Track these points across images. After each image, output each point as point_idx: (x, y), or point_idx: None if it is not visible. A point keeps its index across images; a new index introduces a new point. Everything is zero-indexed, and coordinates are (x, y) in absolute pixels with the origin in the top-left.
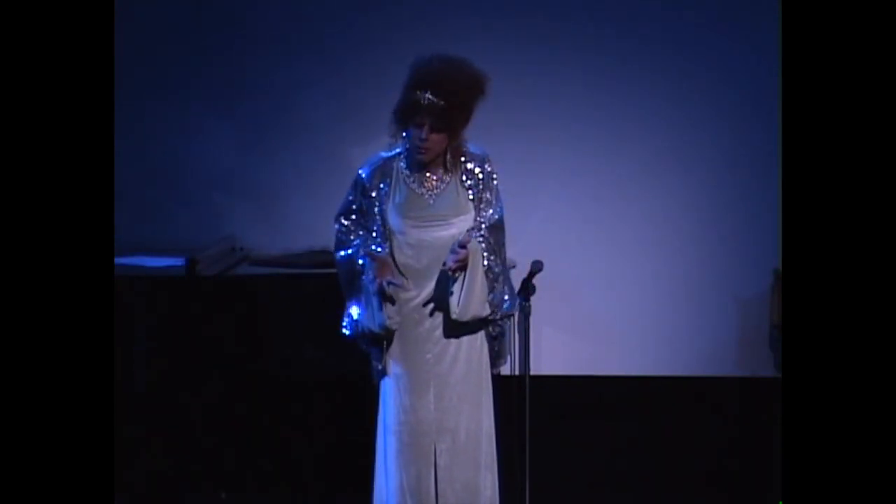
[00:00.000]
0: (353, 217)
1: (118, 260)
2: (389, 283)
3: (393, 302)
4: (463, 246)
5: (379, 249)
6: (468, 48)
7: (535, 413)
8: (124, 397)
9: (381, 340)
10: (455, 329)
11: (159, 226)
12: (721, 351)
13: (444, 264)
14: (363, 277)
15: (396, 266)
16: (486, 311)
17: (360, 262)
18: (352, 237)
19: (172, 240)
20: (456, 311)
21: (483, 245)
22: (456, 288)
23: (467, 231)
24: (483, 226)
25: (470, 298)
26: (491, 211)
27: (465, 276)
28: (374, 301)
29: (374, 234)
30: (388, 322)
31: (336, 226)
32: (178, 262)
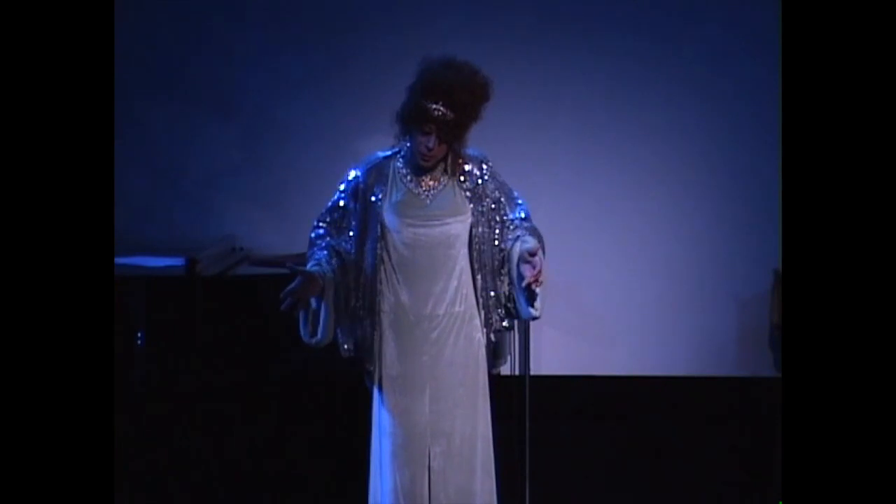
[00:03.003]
0: (336, 216)
1: (118, 260)
2: (288, 293)
3: (316, 322)
4: (534, 254)
5: (321, 263)
6: (468, 48)
7: (535, 413)
8: (124, 397)
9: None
10: (452, 332)
11: (159, 226)
12: (721, 351)
13: (523, 279)
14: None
15: (392, 265)
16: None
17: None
18: (316, 240)
19: (172, 240)
20: (538, 312)
21: (536, 237)
22: (523, 295)
23: (517, 239)
24: (523, 220)
25: (544, 294)
26: (519, 205)
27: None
28: (299, 315)
29: (334, 244)
30: (306, 338)
31: (314, 222)
32: (178, 262)
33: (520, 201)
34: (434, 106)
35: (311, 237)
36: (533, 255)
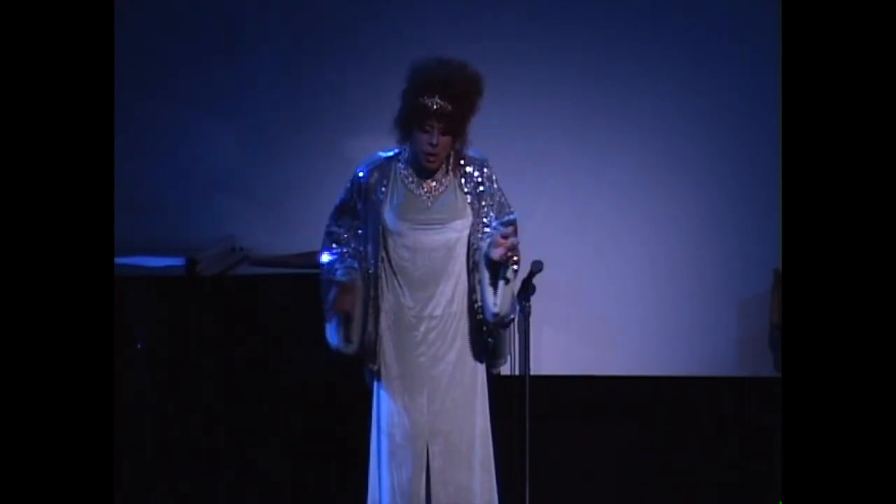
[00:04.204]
0: (347, 217)
1: (118, 260)
2: (332, 304)
3: (349, 332)
4: (506, 237)
5: (351, 271)
6: (468, 48)
7: (535, 413)
8: (124, 397)
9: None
10: (450, 332)
11: (159, 226)
12: (721, 351)
13: (492, 256)
14: (329, 295)
15: (392, 267)
16: (516, 312)
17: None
18: (335, 244)
19: (172, 240)
20: (499, 308)
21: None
22: (488, 288)
23: (498, 229)
24: (503, 225)
25: (507, 293)
26: (508, 211)
27: (502, 270)
28: (334, 323)
29: (354, 246)
30: (342, 346)
31: (327, 223)
32: (178, 262)
33: (512, 210)
34: (432, 100)
35: (326, 239)
36: (505, 237)
